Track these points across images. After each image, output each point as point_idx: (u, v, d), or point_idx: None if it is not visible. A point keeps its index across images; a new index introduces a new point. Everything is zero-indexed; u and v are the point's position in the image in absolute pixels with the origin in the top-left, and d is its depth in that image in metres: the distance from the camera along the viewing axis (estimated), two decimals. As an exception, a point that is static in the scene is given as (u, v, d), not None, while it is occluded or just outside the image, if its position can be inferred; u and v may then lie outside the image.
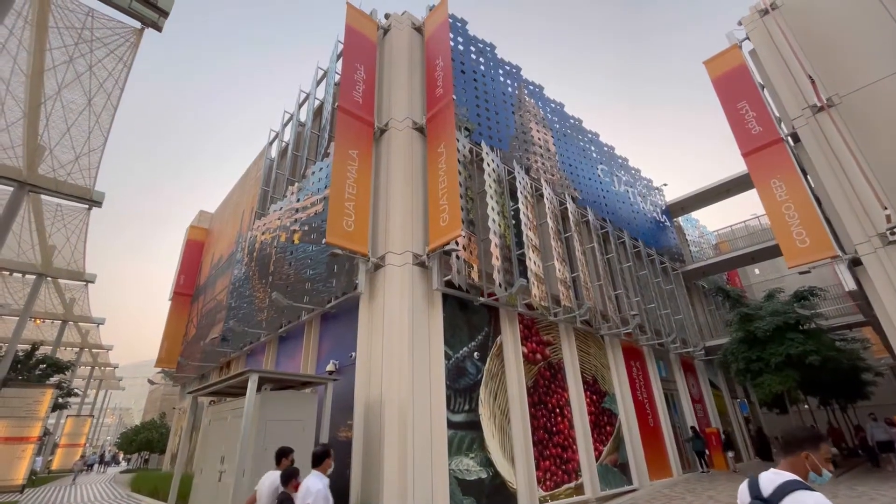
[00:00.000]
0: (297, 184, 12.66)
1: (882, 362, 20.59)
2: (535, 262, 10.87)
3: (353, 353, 8.53)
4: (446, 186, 8.91)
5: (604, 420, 11.68)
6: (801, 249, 10.51)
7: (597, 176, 16.64)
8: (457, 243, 8.80)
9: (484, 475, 8.09)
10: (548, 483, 9.30)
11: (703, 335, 19.11)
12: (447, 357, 8.51)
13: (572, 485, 9.82)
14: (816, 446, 2.37)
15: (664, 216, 21.04)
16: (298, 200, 12.05)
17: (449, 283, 8.82)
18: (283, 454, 4.65)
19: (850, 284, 9.80)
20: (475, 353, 9.12)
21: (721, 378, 19.36)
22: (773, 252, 17.79)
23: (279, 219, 12.89)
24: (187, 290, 22.26)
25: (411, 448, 7.21)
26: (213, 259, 20.57)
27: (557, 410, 10.44)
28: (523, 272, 10.63)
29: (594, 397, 11.76)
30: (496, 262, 9.72)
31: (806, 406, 23.27)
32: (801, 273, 10.88)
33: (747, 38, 13.17)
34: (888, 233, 8.94)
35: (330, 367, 8.95)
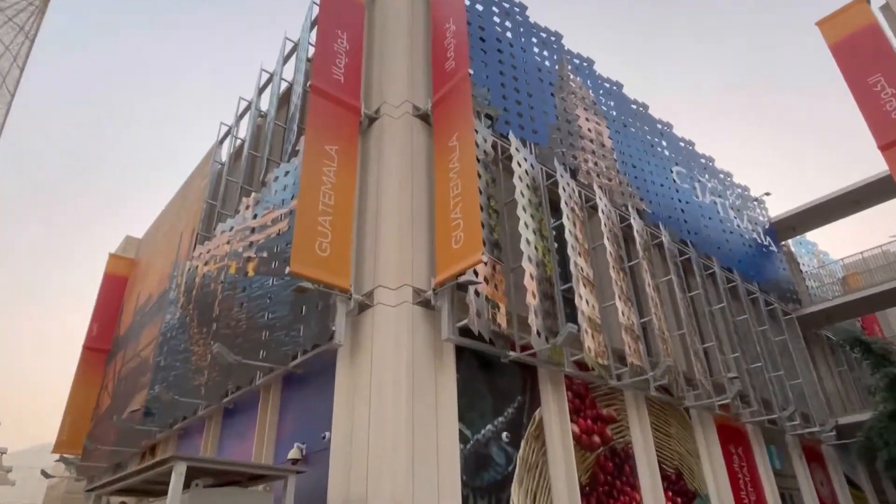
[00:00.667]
0: (253, 194, 12.62)
1: None
2: (587, 302, 10.50)
3: (327, 434, 8.16)
4: (461, 193, 8.71)
5: (694, 535, 10.97)
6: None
7: (671, 181, 16.43)
8: (476, 273, 8.51)
9: None
10: None
11: (831, 409, 18.24)
12: (464, 439, 8.08)
13: None
14: None
15: (767, 238, 20.62)
16: (255, 217, 11.97)
17: (465, 331, 8.48)
18: None
19: None
20: (504, 434, 8.67)
21: (862, 471, 18.32)
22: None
23: (228, 242, 12.80)
24: (102, 345, 22.11)
25: (411, 577, 6.70)
26: (138, 301, 20.52)
27: (626, 520, 9.81)
28: (571, 316, 10.26)
29: (679, 500, 11.10)
30: (533, 301, 9.35)
31: None
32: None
33: (877, -12, 13.11)
34: None
35: (293, 454, 8.56)
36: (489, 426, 8.54)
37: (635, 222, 13.51)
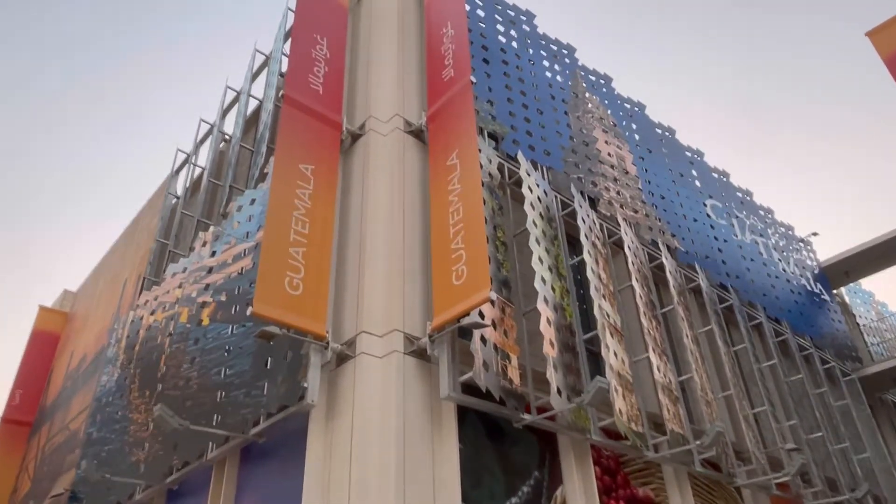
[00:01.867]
0: (212, 228, 12.21)
1: None
2: (615, 355, 9.98)
3: (296, 519, 7.43)
4: (463, 219, 8.32)
5: None
6: None
7: (705, 216, 16.25)
8: (482, 316, 8.02)
9: None
10: None
11: (907, 490, 17.53)
12: (468, 526, 7.39)
13: None
14: None
15: (818, 285, 20.37)
16: (213, 254, 11.52)
17: (469, 388, 7.90)
18: None
19: None
20: (518, 520, 7.97)
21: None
22: None
23: (180, 286, 12.29)
24: (25, 417, 21.21)
25: None
26: (70, 362, 19.82)
27: None
28: (596, 372, 9.75)
29: None
30: (551, 352, 8.82)
31: None
32: None
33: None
34: None
35: (252, 548, 7.79)
36: (500, 509, 7.87)
37: (667, 262, 13.16)
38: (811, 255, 21.34)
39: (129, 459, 11.39)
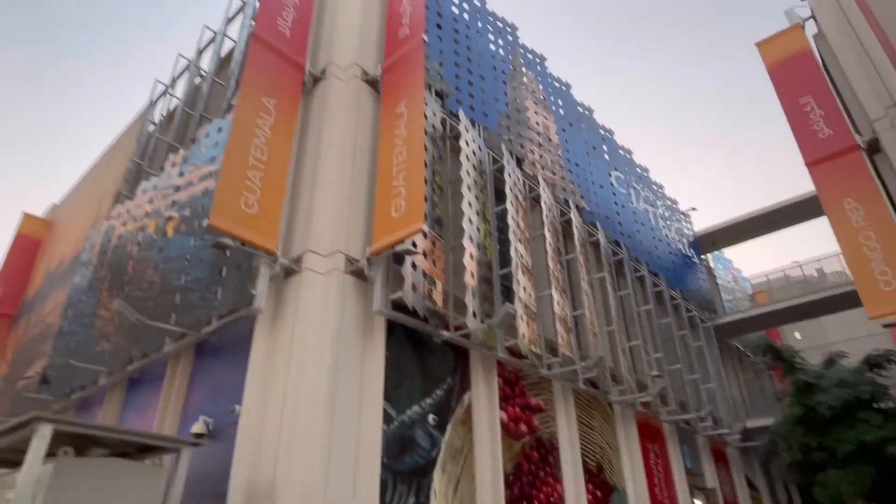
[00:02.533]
0: (181, 152, 11.30)
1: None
2: (524, 289, 9.92)
3: (237, 407, 7.08)
4: (405, 160, 7.90)
5: (610, 528, 10.58)
6: (886, 293, 10.14)
7: (610, 185, 16.22)
8: (414, 245, 7.71)
9: None
10: None
11: (737, 414, 18.61)
12: (387, 419, 7.26)
13: None
14: None
15: (691, 250, 20.92)
16: (181, 175, 10.67)
17: (399, 305, 7.66)
18: None
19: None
20: (431, 417, 7.90)
21: (759, 474, 18.79)
22: (835, 305, 17.76)
23: (151, 201, 11.40)
24: (7, 310, 19.71)
25: (316, 567, 5.79)
26: (49, 265, 18.43)
27: (547, 511, 9.25)
28: (508, 301, 9.63)
29: (598, 493, 10.68)
30: (471, 282, 8.68)
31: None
32: (885, 326, 10.49)
33: (812, 16, 13.32)
34: None
35: (198, 428, 7.41)
36: (416, 407, 7.75)
37: (575, 218, 13.14)
38: (688, 225, 21.74)
39: (94, 349, 10.70)
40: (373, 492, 6.65)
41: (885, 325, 10.33)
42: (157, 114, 15.32)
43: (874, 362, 13.31)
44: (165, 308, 8.85)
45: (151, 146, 13.90)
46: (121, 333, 9.96)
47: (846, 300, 17.25)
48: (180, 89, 14.68)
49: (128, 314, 7.50)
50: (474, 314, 8.43)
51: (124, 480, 5.11)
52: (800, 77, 12.87)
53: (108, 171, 17.57)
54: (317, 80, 9.39)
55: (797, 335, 30.78)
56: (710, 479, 15.46)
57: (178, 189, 10.48)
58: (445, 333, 8.24)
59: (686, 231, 21.21)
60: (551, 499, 9.49)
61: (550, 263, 11.20)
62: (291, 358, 6.96)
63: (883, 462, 11.56)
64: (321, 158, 8.40)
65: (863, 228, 10.81)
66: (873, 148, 11.44)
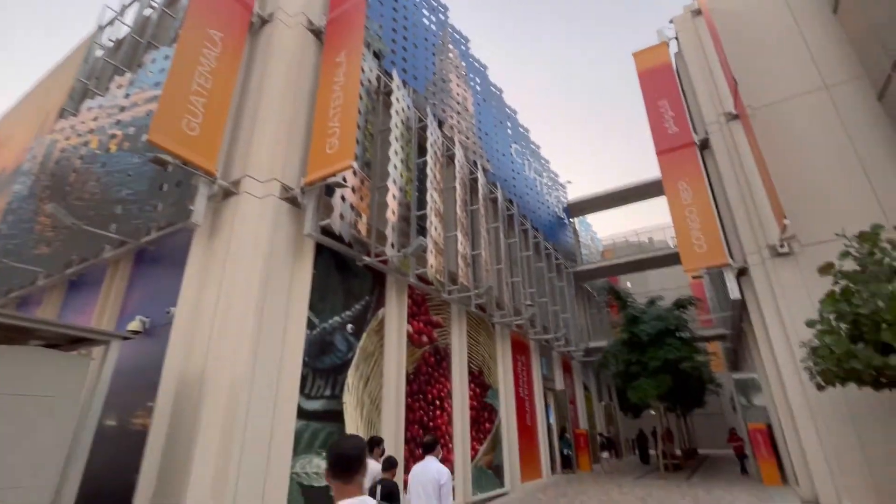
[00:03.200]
0: (128, 75, 9.60)
1: (719, 376, 24.02)
2: (436, 229, 9.66)
3: (172, 308, 6.34)
4: (341, 104, 7.16)
5: (484, 416, 11.04)
6: (698, 254, 11.01)
7: (510, 154, 16.14)
8: (344, 180, 7.13)
9: (338, 480, 6.60)
10: (415, 488, 8.18)
11: (582, 337, 20.09)
12: (311, 325, 6.84)
13: (442, 490, 8.86)
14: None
15: (564, 213, 21.69)
16: (127, 96, 9.08)
17: (327, 231, 7.12)
18: (375, 443, 5.29)
19: (735, 293, 10.47)
20: (349, 326, 7.58)
21: (592, 380, 20.61)
22: (658, 263, 19.33)
23: (95, 119, 9.67)
24: (-56, 212, 16.50)
25: (239, 445, 5.42)
26: (-9, 172, 15.47)
27: (437, 403, 9.42)
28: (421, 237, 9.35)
29: (478, 390, 11.05)
30: (391, 218, 8.27)
31: (653, 412, 26.46)
32: (693, 278, 11.46)
33: (676, 37, 13.63)
34: (778, 245, 9.61)
35: (134, 326, 6.60)
36: (336, 318, 7.38)
37: (480, 177, 12.95)
38: (564, 194, 22.46)
39: (33, 252, 9.17)
40: (294, 383, 6.32)
41: (694, 277, 11.30)
42: (106, 38, 12.92)
43: (680, 304, 14.70)
44: (106, 218, 7.65)
45: (99, 68, 11.72)
46: (60, 239, 8.57)
47: (666, 260, 18.87)
48: (130, 17, 12.42)
49: (62, 217, 6.36)
50: (392, 244, 8.09)
51: (50, 367, 4.36)
52: (660, 84, 13.26)
53: (54, 88, 14.77)
54: (265, 21, 8.20)
55: (629, 284, 33.63)
56: (559, 382, 16.66)
57: (122, 109, 8.93)
58: (367, 259, 7.85)
59: (562, 199, 21.87)
60: (442, 393, 9.67)
61: (458, 211, 11.01)
62: (225, 269, 6.28)
63: (678, 374, 12.98)
64: (264, 94, 7.43)
65: (689, 205, 11.57)
66: (704, 145, 12.15)
